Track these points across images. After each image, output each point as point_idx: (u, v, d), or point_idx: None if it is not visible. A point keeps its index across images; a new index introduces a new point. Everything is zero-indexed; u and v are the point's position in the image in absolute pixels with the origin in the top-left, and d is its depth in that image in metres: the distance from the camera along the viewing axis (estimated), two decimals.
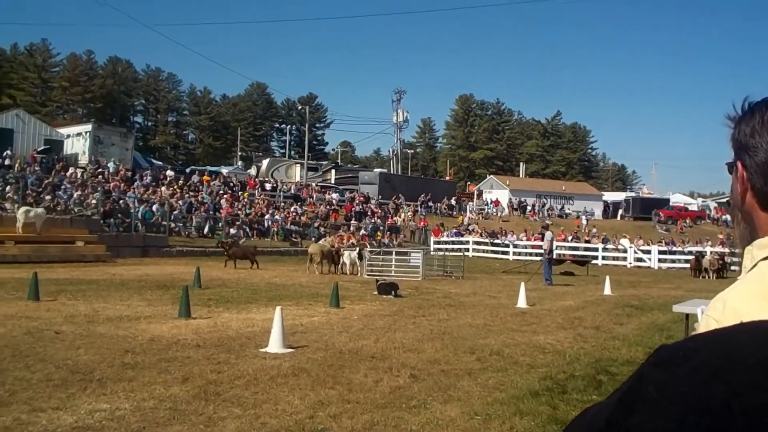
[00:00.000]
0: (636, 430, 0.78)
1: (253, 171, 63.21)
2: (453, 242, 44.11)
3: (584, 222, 53.36)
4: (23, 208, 24.67)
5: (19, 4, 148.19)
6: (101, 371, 7.55)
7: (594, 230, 50.21)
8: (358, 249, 26.33)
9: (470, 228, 49.94)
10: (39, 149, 40.75)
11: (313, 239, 28.90)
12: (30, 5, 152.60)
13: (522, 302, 15.79)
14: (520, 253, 41.08)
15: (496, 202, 64.67)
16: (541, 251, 26.43)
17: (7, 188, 28.39)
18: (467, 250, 40.73)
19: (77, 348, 8.76)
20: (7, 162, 36.05)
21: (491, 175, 79.89)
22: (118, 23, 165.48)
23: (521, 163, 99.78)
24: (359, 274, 24.13)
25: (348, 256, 25.17)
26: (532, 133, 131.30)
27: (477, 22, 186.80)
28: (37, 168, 36.06)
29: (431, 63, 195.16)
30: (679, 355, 0.88)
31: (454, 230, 48.62)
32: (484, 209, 63.55)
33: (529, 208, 63.78)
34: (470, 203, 65.73)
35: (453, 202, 63.23)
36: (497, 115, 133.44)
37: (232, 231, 34.89)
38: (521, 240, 43.68)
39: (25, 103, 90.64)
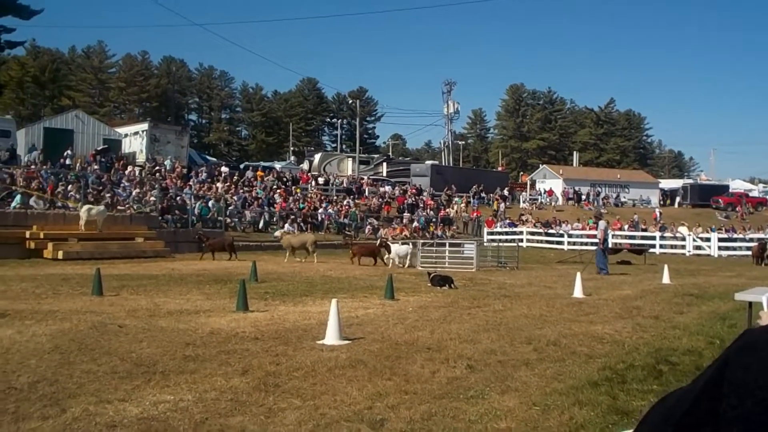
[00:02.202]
0: (724, 413, 0.78)
1: (305, 165, 63.67)
2: (506, 233, 43.81)
3: (659, 214, 52.22)
4: (85, 207, 25.34)
5: (75, 7, 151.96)
6: (164, 364, 7.72)
7: (658, 219, 49.21)
8: (379, 242, 26.58)
9: (524, 218, 49.52)
10: (98, 149, 41.77)
11: (281, 229, 29.06)
12: (86, 8, 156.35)
13: (578, 292, 15.61)
14: (574, 243, 40.60)
15: (550, 192, 64.00)
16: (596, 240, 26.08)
17: (69, 187, 29.18)
18: (521, 240, 40.40)
19: (140, 341, 8.97)
20: (68, 162, 37.06)
21: (544, 165, 78.97)
22: (171, 23, 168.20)
23: (575, 152, 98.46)
24: (403, 266, 24.12)
25: (395, 250, 25.04)
26: (585, 122, 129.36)
27: (526, 11, 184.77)
28: (96, 167, 36.98)
29: (481, 53, 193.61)
30: (764, 339, 0.87)
31: (508, 221, 48.27)
32: (537, 199, 62.91)
33: (583, 197, 62.90)
34: (523, 193, 65.12)
35: (506, 192, 62.74)
36: (549, 104, 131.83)
37: (287, 225, 35.23)
38: (575, 229, 43.17)
39: (84, 104, 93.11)
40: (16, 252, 22.77)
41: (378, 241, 27.04)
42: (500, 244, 30.89)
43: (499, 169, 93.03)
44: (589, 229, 39.03)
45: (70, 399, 6.24)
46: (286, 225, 35.35)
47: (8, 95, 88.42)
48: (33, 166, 33.18)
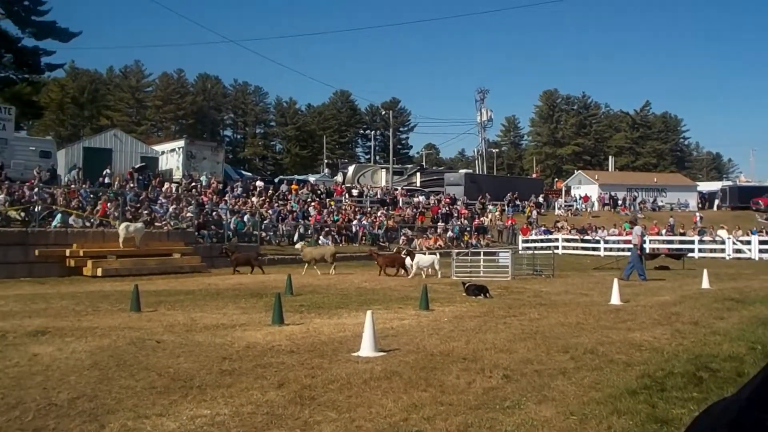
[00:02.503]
0: None
1: (339, 178, 63.95)
2: (542, 240, 43.46)
3: (699, 218, 51.41)
4: (123, 224, 25.72)
5: (112, 28, 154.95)
6: (201, 378, 7.78)
7: (698, 222, 48.40)
8: (404, 251, 26.51)
9: (559, 225, 49.10)
10: (136, 166, 42.43)
11: (305, 242, 29.19)
12: (123, 29, 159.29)
13: (615, 299, 15.41)
14: (611, 249, 40.13)
15: (585, 198, 63.40)
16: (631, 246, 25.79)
17: (108, 205, 29.65)
18: (557, 247, 40.04)
19: (177, 356, 9.06)
20: (107, 180, 37.70)
21: (579, 171, 78.29)
22: (206, 41, 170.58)
23: (610, 157, 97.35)
24: (425, 276, 23.94)
25: (417, 261, 24.62)
26: (620, 126, 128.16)
27: (557, 16, 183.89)
28: (134, 185, 37.57)
29: (513, 60, 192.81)
30: None
31: (543, 228, 47.91)
32: (572, 206, 62.36)
33: (619, 202, 62.20)
34: (558, 200, 64.61)
35: (541, 199, 62.30)
36: (584, 109, 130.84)
37: (322, 238, 35.38)
38: (612, 235, 42.67)
39: (122, 122, 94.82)
40: (56, 270, 23.21)
41: (403, 251, 26.95)
42: (535, 251, 30.63)
43: (534, 176, 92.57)
44: (626, 234, 38.52)
45: (108, 415, 6.33)
46: (321, 238, 35.51)
47: (49, 116, 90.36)
48: (73, 186, 33.79)
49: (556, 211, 60.05)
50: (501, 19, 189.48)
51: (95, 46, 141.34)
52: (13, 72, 52.19)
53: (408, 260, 24.88)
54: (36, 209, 26.76)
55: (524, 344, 9.96)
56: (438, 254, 25.95)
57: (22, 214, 26.34)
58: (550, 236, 44.96)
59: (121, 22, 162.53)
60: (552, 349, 9.57)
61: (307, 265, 25.81)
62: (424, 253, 27.07)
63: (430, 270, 24.46)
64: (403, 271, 24.88)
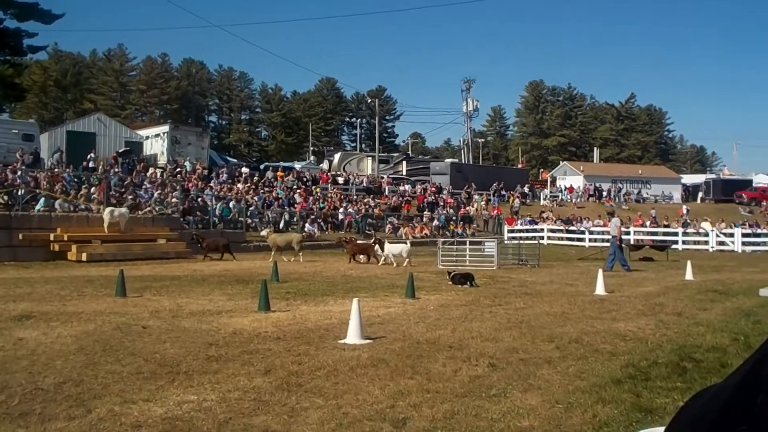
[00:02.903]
0: (760, 409, 0.78)
1: (325, 165, 63.87)
2: (527, 230, 43.65)
3: (685, 210, 51.66)
4: (108, 209, 25.57)
5: (96, 11, 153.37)
6: (187, 364, 7.78)
7: (685, 215, 48.70)
8: (372, 240, 26.61)
9: (544, 216, 49.32)
10: (120, 151, 42.13)
11: (270, 229, 29.11)
12: (106, 12, 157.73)
13: (600, 289, 15.52)
14: (596, 240, 40.38)
15: (570, 189, 63.71)
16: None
17: (92, 189, 29.45)
18: (542, 238, 40.23)
19: (164, 342, 9.05)
20: (91, 164, 37.43)
21: (564, 162, 78.67)
22: (190, 25, 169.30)
23: (595, 148, 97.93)
24: (397, 265, 23.92)
25: (389, 249, 24.73)
26: (605, 118, 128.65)
27: (544, 7, 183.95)
28: (118, 169, 37.33)
29: (499, 50, 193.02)
30: None
31: (528, 218, 48.10)
32: (557, 196, 62.63)
33: (604, 193, 62.57)
34: (544, 191, 64.86)
35: (526, 189, 62.52)
36: (569, 101, 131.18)
37: (308, 226, 35.36)
38: (596, 226, 42.91)
39: (105, 106, 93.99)
40: (40, 254, 23.06)
41: (372, 240, 27.06)
42: (521, 241, 30.76)
43: (519, 166, 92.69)
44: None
45: (95, 399, 6.31)
46: (307, 225, 35.48)
47: (31, 99, 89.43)
48: (56, 169, 33.53)
49: (542, 202, 60.37)
50: (487, 9, 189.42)
51: (78, 28, 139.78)
52: None
53: (378, 248, 24.94)
54: (19, 193, 26.54)
55: (510, 333, 10.02)
56: (408, 243, 25.94)
57: (5, 197, 26.12)
58: (535, 226, 45.16)
59: (104, 5, 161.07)
60: (537, 338, 9.64)
61: (273, 251, 25.68)
62: (406, 242, 27.03)
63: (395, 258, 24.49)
64: (375, 259, 24.95)
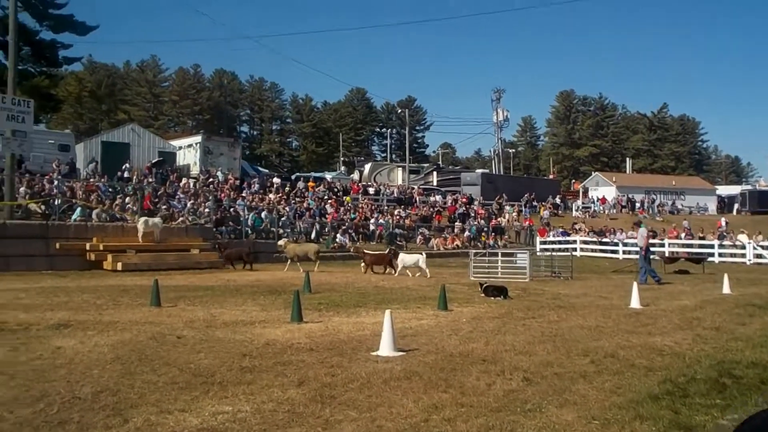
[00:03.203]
0: None
1: (356, 176, 64.00)
2: (559, 242, 43.29)
3: (724, 223, 50.80)
4: (142, 219, 25.86)
5: (130, 23, 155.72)
6: (221, 374, 7.82)
7: (723, 227, 47.80)
8: (388, 250, 26.62)
9: (577, 227, 48.91)
10: (153, 161, 42.66)
11: (287, 239, 28.99)
12: (140, 23, 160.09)
13: (635, 302, 15.32)
14: (630, 252, 39.88)
15: (603, 200, 63.09)
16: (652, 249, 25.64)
17: (127, 199, 29.83)
18: (575, 249, 39.87)
19: (198, 352, 9.11)
20: (125, 174, 37.93)
21: (596, 172, 78.01)
22: (223, 37, 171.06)
23: (627, 159, 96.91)
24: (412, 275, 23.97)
25: (402, 260, 24.74)
26: (637, 128, 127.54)
27: (574, 16, 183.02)
28: (152, 179, 37.77)
29: (530, 60, 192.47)
30: None
31: (561, 229, 47.72)
32: (590, 207, 62.08)
33: (637, 204, 61.86)
34: (576, 201, 64.34)
35: (558, 201, 62.07)
36: (600, 111, 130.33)
37: (339, 236, 35.44)
38: (630, 238, 42.40)
39: (139, 117, 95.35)
40: (77, 263, 23.38)
41: (387, 250, 27.07)
42: (553, 253, 30.50)
43: (551, 176, 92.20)
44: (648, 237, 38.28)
45: (131, 409, 6.37)
46: (338, 235, 35.56)
47: (67, 110, 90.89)
48: (92, 179, 34.02)
49: (574, 213, 59.84)
50: (518, 19, 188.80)
51: (113, 40, 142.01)
52: (31, 65, 52.55)
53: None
54: (56, 202, 26.96)
55: (544, 347, 9.94)
56: (424, 254, 25.87)
57: (43, 207, 26.55)
58: (567, 238, 44.77)
59: (138, 17, 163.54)
60: (572, 352, 9.54)
61: (289, 261, 25.83)
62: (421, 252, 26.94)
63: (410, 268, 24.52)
64: (391, 269, 25.01)
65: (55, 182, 29.75)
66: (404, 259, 24.87)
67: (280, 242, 27.17)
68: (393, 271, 24.71)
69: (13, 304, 13.77)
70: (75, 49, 64.27)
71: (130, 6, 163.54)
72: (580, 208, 61.80)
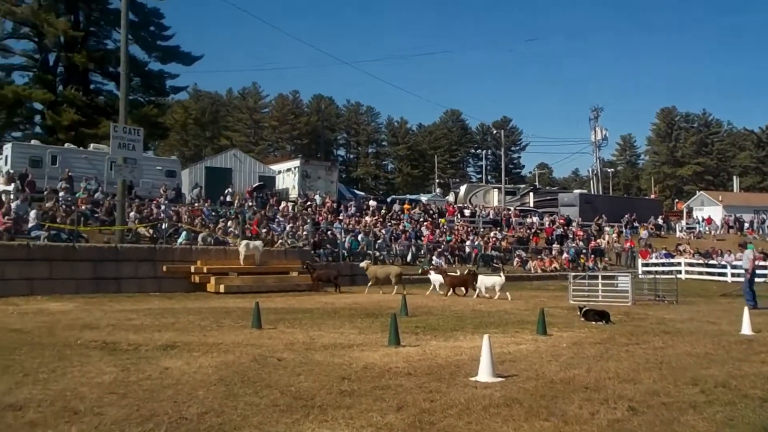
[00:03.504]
0: None
1: (451, 197, 63.91)
2: (663, 264, 41.84)
3: None
4: (243, 242, 26.58)
5: (232, 52, 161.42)
6: (321, 398, 7.89)
7: None
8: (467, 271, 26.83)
9: (681, 249, 47.19)
10: (254, 185, 43.86)
11: (369, 260, 29.01)
12: (242, 52, 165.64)
13: (746, 328, 14.59)
14: (739, 275, 38.09)
15: (708, 220, 60.70)
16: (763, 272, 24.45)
17: (229, 223, 30.73)
18: (679, 272, 38.43)
19: (298, 374, 9.23)
20: (227, 198, 39.13)
21: (701, 191, 75.17)
22: (321, 63, 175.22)
23: (734, 177, 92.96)
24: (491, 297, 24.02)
25: (481, 282, 24.83)
26: (744, 144, 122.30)
27: (675, 31, 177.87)
28: (252, 203, 38.80)
29: (628, 77, 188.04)
30: None
31: (664, 251, 46.14)
32: (695, 228, 59.80)
33: (746, 225, 59.14)
34: (679, 222, 62.13)
35: (660, 221, 60.11)
36: (704, 127, 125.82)
37: (435, 259, 35.38)
38: (739, 260, 40.52)
39: (240, 143, 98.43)
40: (182, 286, 24.21)
41: (467, 272, 27.02)
42: (657, 276, 29.48)
43: (652, 196, 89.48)
44: (756, 259, 36.51)
45: (235, 431, 6.50)
46: (434, 258, 35.52)
47: (173, 137, 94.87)
48: (196, 204, 35.24)
49: (677, 234, 57.81)
50: (613, 36, 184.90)
51: (216, 69, 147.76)
52: (140, 95, 55.26)
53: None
54: (163, 226, 28.06)
55: (649, 374, 9.59)
56: (503, 276, 25.61)
57: (151, 231, 27.67)
58: (671, 260, 43.22)
59: (239, 47, 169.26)
60: (680, 380, 9.17)
61: (370, 283, 26.27)
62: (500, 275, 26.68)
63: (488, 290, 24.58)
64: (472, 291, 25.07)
65: (162, 207, 30.98)
66: (483, 281, 24.89)
67: (362, 264, 27.50)
68: (472, 293, 24.83)
69: (124, 325, 14.36)
70: (181, 78, 67.23)
71: (233, 35, 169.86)
72: (684, 228, 59.66)
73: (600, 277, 26.32)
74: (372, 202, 48.73)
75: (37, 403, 7.41)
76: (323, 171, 49.98)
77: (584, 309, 17.24)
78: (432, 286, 26.32)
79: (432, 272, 27.19)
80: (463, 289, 25.37)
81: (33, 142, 40.37)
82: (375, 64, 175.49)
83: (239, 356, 10.61)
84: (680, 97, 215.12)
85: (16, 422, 6.66)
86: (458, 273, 27.41)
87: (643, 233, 52.71)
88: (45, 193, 29.93)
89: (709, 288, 33.20)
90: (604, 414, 7.33)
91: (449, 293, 25.07)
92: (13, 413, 6.98)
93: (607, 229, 53.59)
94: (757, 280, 23.75)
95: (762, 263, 30.39)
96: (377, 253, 34.20)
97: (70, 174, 32.87)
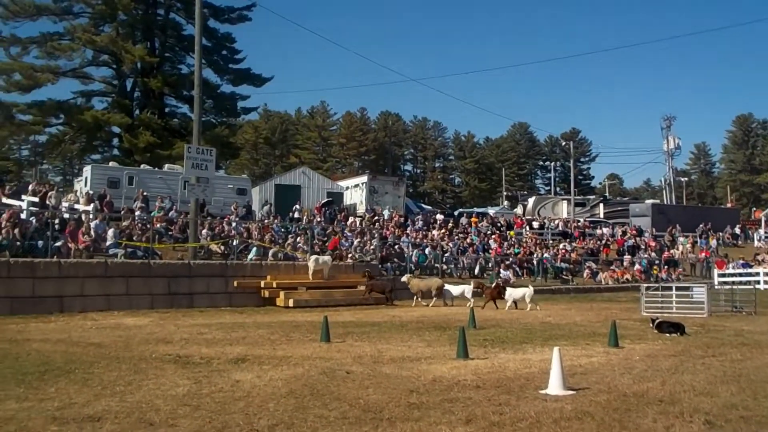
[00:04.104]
0: None
1: (519, 210, 63.29)
2: (740, 274, 40.44)
3: None
4: (313, 257, 26.88)
5: (301, 72, 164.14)
6: (390, 411, 7.91)
7: None
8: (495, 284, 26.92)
9: (759, 258, 45.57)
10: (322, 202, 44.39)
11: (411, 274, 29.23)
12: (310, 72, 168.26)
13: None
14: None
15: None
16: None
17: (298, 239, 31.13)
18: (758, 282, 37.08)
19: (366, 387, 9.28)
20: (296, 215, 39.66)
21: None
22: (387, 80, 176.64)
23: None
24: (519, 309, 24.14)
25: (510, 293, 25.13)
26: None
27: (746, 36, 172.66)
28: (321, 219, 39.22)
29: (701, 84, 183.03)
30: None
31: (741, 261, 44.62)
32: None
33: None
34: (758, 231, 60.02)
35: (737, 230, 58.19)
36: None
37: (503, 272, 35.06)
38: None
39: (309, 160, 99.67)
40: (253, 300, 24.62)
41: (494, 284, 27.23)
42: (734, 286, 28.52)
43: (728, 205, 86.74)
44: None
45: None
46: (502, 270, 35.19)
47: (244, 156, 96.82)
48: (266, 221, 35.82)
49: (755, 243, 55.85)
50: (684, 44, 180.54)
51: (285, 90, 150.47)
52: (213, 116, 56.66)
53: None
54: (234, 243, 28.61)
55: (727, 387, 9.30)
56: (531, 288, 25.72)
57: (222, 247, 28.24)
58: (749, 270, 41.75)
59: (308, 67, 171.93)
60: (759, 394, 8.86)
61: (415, 297, 26.60)
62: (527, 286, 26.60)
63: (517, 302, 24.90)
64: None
65: (233, 224, 31.59)
66: (513, 293, 25.17)
67: (404, 278, 27.70)
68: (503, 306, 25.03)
69: (196, 339, 14.69)
70: (252, 99, 68.67)
71: (301, 56, 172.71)
72: (763, 237, 57.58)
73: (674, 288, 25.68)
74: (439, 216, 48.64)
75: (114, 414, 7.65)
76: (390, 186, 50.21)
77: (657, 321, 16.84)
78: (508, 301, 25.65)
79: (507, 288, 26.71)
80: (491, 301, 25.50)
81: (111, 164, 41.83)
82: (442, 80, 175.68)
83: (308, 369, 10.73)
84: (757, 104, 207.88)
85: None
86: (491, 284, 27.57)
87: (713, 243, 51.13)
88: (122, 212, 30.90)
89: None
90: (680, 428, 7.16)
91: (485, 306, 25.01)
92: (91, 424, 7.23)
93: (680, 239, 52.17)
94: None
95: None
96: (444, 267, 34.07)
97: (145, 194, 33.89)
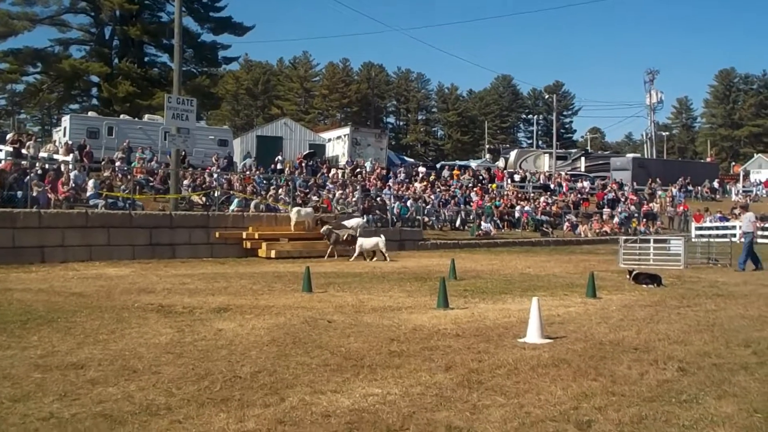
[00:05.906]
0: None
1: (501, 163, 63.41)
2: (717, 228, 40.93)
3: None
4: (294, 209, 26.87)
5: (283, 21, 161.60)
6: (371, 358, 8.04)
7: None
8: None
9: (736, 212, 46.07)
10: (304, 153, 44.21)
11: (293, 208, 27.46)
12: (292, 22, 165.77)
13: None
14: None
15: (766, 183, 59.09)
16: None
17: (280, 191, 31.07)
18: (734, 236, 37.56)
19: (348, 336, 9.40)
20: (278, 166, 39.53)
21: (759, 154, 73.20)
22: (371, 30, 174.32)
23: None
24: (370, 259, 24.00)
25: (360, 244, 24.33)
26: None
27: None
28: (303, 171, 39.12)
29: (685, 38, 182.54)
30: None
31: (719, 215, 45.12)
32: (751, 191, 58.31)
33: None
34: (735, 185, 60.64)
35: (716, 184, 58.75)
36: (764, 89, 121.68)
37: (483, 224, 35.28)
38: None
39: (291, 111, 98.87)
40: (235, 251, 24.66)
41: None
42: (711, 240, 28.90)
43: (708, 159, 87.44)
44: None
45: (287, 389, 6.69)
46: (483, 223, 35.39)
47: (225, 107, 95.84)
48: (248, 172, 35.68)
49: (733, 197, 56.48)
50: None
51: (267, 39, 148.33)
52: (193, 66, 55.92)
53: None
54: (215, 194, 28.52)
55: (700, 336, 9.52)
56: (382, 236, 25.07)
57: (204, 198, 28.16)
58: (726, 223, 42.26)
59: (290, 16, 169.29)
60: (731, 342, 9.08)
61: (356, 253, 24.71)
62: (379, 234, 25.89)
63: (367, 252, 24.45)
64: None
65: (215, 175, 31.45)
66: (363, 242, 24.56)
67: (293, 213, 26.38)
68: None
69: (179, 289, 14.74)
70: (233, 49, 67.66)
71: (283, 5, 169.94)
72: (741, 192, 58.20)
73: (652, 240, 26.00)
74: (421, 169, 48.68)
75: (98, 362, 7.72)
76: (373, 138, 50.07)
77: (635, 272, 17.10)
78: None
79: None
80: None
81: (90, 113, 41.33)
82: (425, 31, 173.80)
83: (290, 318, 10.83)
84: (739, 59, 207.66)
85: (78, 380, 6.96)
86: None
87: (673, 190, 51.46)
88: (102, 162, 30.65)
89: (765, 252, 32.35)
90: (654, 374, 7.33)
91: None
92: (75, 371, 7.29)
93: (660, 193, 52.62)
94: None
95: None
96: (426, 219, 34.19)
97: (129, 144, 33.61)
